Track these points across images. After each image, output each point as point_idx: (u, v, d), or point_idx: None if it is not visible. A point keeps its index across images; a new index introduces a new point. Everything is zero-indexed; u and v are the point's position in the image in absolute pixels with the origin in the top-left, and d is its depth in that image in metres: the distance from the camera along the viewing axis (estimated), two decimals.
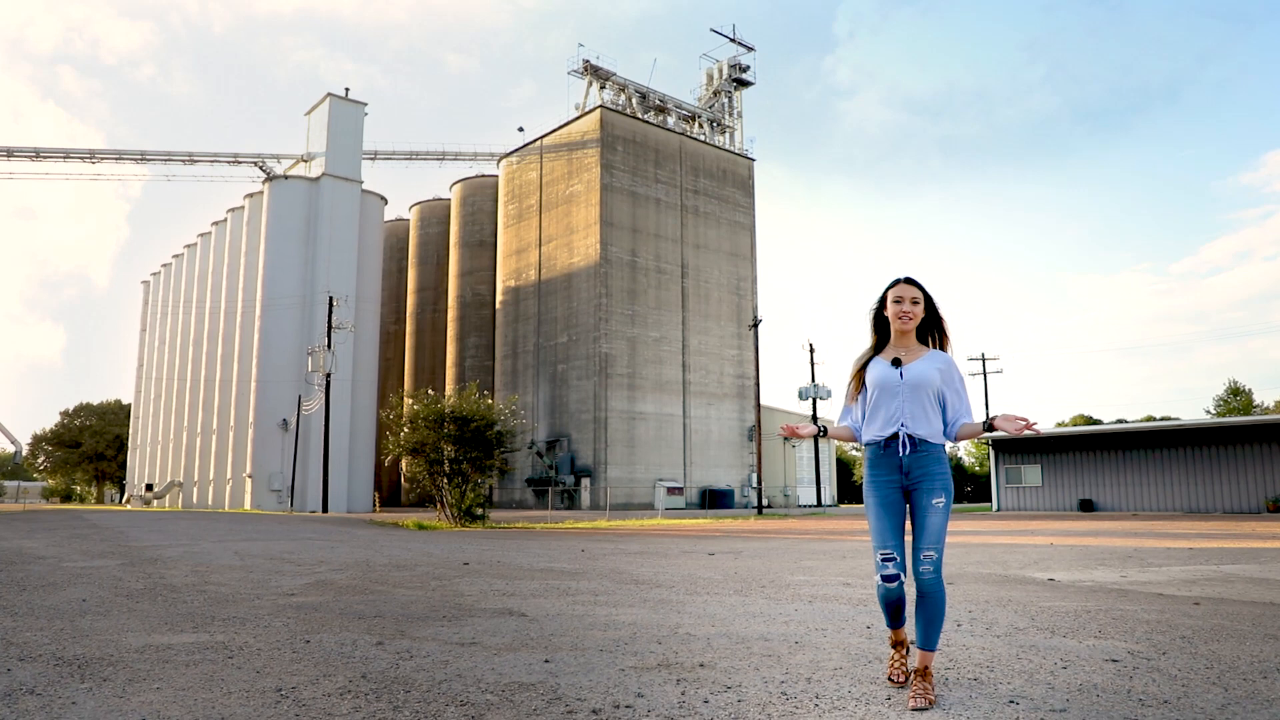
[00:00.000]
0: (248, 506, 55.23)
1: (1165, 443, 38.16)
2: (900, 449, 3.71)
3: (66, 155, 58.31)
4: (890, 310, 3.83)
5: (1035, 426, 3.56)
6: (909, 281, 3.83)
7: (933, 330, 3.89)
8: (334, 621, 5.76)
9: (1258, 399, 77.43)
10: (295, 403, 53.77)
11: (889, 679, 3.90)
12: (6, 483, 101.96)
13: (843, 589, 7.73)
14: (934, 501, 3.66)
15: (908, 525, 3.77)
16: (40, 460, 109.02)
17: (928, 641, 3.63)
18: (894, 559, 3.66)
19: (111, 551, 12.37)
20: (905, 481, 3.72)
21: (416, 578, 8.77)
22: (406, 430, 26.48)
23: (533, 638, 5.07)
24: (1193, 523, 25.11)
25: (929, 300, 3.85)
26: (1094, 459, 40.11)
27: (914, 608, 3.72)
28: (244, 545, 14.01)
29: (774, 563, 10.98)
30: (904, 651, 3.93)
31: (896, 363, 3.78)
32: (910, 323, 3.79)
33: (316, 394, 49.63)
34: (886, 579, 3.69)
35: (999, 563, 11.03)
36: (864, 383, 3.87)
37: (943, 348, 3.89)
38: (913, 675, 3.72)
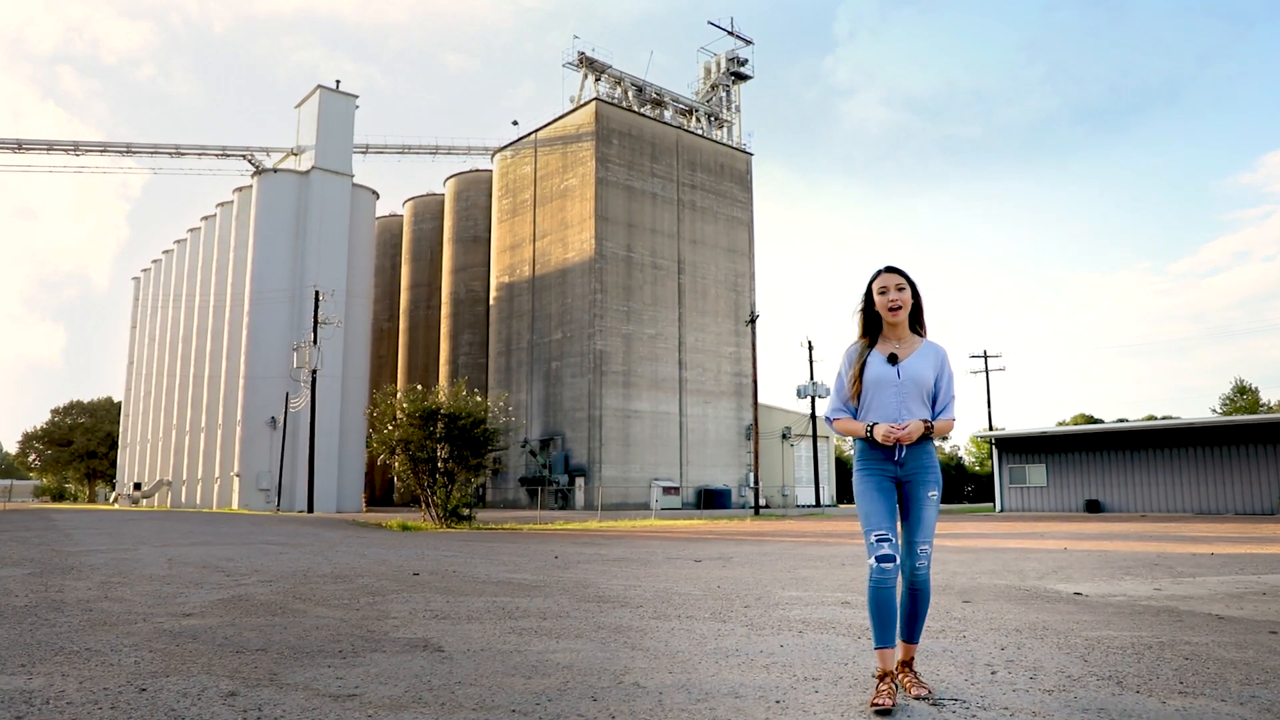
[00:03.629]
0: (235, 506, 53.99)
1: (1173, 442, 36.96)
2: (897, 445, 3.64)
3: (50, 147, 57.09)
4: (879, 302, 3.75)
5: (899, 434, 3.59)
6: (891, 270, 3.77)
7: (917, 316, 3.82)
8: (201, 658, 4.58)
9: (1262, 398, 76.34)
10: (284, 400, 52.52)
11: (873, 707, 3.39)
12: None
13: (841, 610, 6.56)
14: (929, 494, 3.64)
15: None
16: (31, 458, 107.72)
17: (912, 635, 3.63)
18: (889, 539, 3.57)
19: (32, 558, 11.18)
20: (899, 474, 3.67)
21: (348, 593, 7.60)
22: (390, 428, 25.39)
23: (434, 687, 3.87)
24: (1206, 525, 24.00)
25: (913, 286, 3.77)
26: (1100, 458, 38.91)
27: (900, 602, 3.62)
28: (186, 550, 12.83)
29: (764, 572, 9.81)
30: (891, 682, 3.51)
31: (893, 359, 3.71)
32: (901, 312, 3.72)
33: (304, 391, 48.37)
34: (882, 559, 3.53)
35: (1014, 572, 9.92)
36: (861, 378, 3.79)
37: (923, 332, 3.86)
38: (897, 667, 3.62)
